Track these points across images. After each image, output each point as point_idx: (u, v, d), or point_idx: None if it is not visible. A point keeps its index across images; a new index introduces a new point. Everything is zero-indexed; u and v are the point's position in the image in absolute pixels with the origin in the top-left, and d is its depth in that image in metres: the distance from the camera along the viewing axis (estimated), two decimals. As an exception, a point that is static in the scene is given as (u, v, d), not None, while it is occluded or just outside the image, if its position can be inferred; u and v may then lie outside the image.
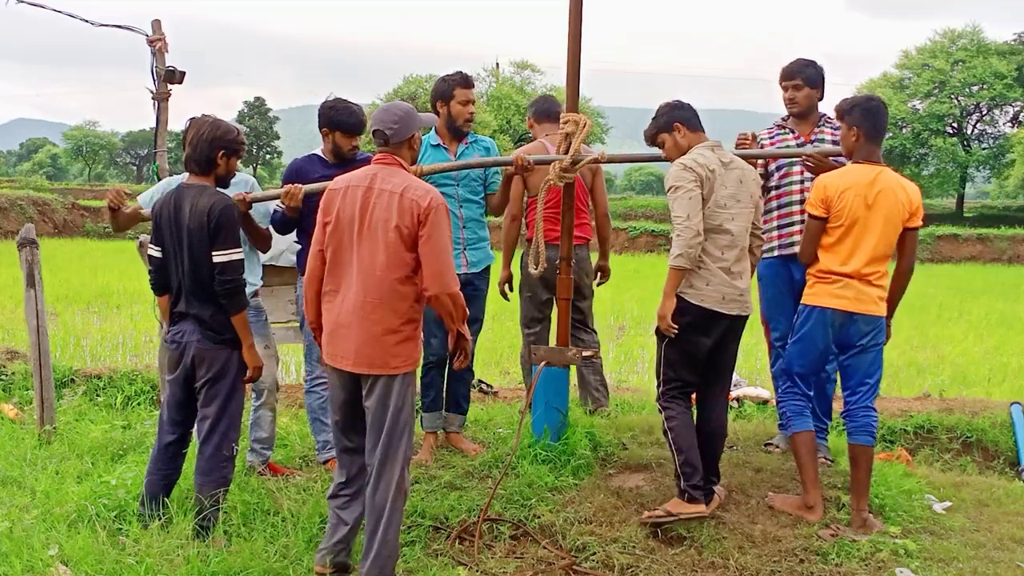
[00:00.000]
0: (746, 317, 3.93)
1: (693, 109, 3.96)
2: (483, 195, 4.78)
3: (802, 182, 4.56)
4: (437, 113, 4.69)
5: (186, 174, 3.80)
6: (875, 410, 4.05)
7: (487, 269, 4.83)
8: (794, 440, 4.07)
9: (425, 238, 3.14)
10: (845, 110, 4.04)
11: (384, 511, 3.22)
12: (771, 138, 4.67)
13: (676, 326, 3.78)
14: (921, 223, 4.00)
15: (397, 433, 3.24)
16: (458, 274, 4.64)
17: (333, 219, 3.23)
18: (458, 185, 4.67)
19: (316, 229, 3.32)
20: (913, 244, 4.03)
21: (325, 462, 4.53)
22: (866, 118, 3.97)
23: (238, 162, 3.90)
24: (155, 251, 3.75)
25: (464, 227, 4.69)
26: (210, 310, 3.64)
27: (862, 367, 3.99)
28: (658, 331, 3.89)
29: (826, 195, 3.94)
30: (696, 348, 3.86)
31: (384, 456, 3.23)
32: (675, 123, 3.91)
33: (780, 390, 4.32)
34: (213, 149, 3.70)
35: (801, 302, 4.08)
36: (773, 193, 4.66)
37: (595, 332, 5.33)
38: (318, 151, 4.45)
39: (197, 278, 3.63)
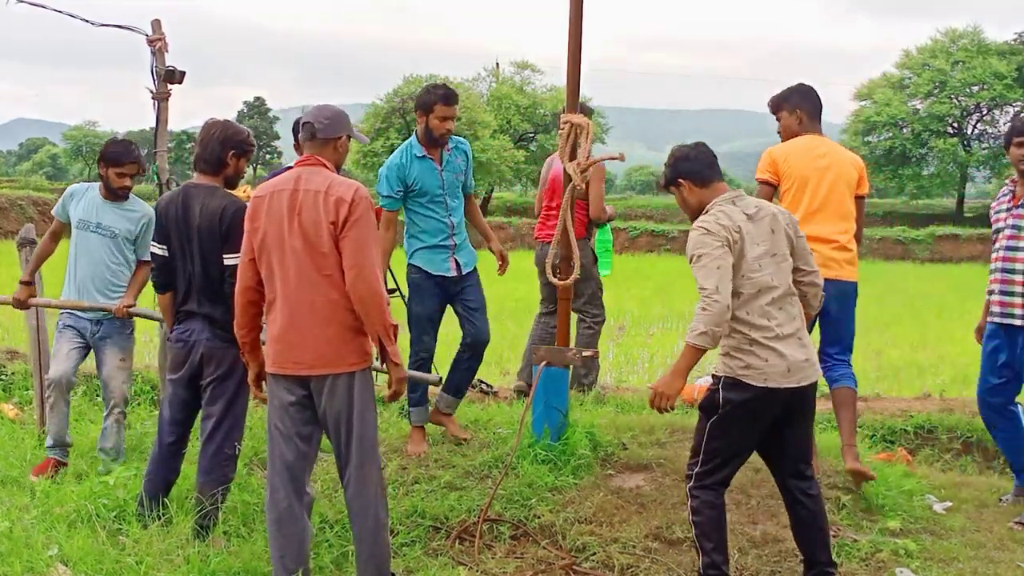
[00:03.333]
0: (815, 385, 3.32)
1: (704, 157, 3.35)
2: (463, 196, 4.88)
3: None
4: (416, 121, 4.80)
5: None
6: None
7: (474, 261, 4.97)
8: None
9: (347, 231, 3.07)
10: (783, 98, 4.28)
11: (372, 514, 3.21)
12: (996, 199, 4.38)
13: (673, 407, 3.23)
14: (867, 191, 4.25)
15: (368, 435, 3.21)
16: (451, 276, 4.74)
17: (262, 225, 3.18)
18: (446, 194, 4.75)
19: (244, 237, 3.26)
20: (862, 212, 4.27)
21: None
22: (804, 99, 4.29)
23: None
24: (159, 249, 3.75)
25: (454, 233, 4.77)
26: (220, 309, 3.63)
27: (839, 328, 4.23)
28: (703, 407, 3.31)
29: (772, 159, 4.19)
30: (749, 438, 3.27)
31: (360, 460, 3.20)
32: (678, 179, 3.36)
33: None
34: (224, 149, 3.70)
35: None
36: (996, 255, 4.25)
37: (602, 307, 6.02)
38: None
39: (207, 278, 3.63)
